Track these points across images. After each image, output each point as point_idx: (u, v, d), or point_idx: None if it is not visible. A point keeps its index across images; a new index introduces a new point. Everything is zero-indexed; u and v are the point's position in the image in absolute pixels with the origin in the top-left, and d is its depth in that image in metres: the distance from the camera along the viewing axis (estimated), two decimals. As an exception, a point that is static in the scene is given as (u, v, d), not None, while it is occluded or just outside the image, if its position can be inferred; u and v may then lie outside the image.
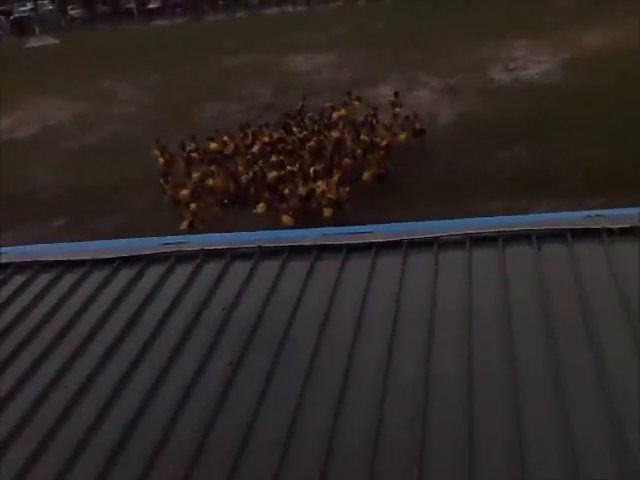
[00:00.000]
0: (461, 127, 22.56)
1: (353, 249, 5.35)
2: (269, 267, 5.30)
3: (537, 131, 20.69)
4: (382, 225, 5.84)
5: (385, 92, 27.44)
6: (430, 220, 5.76)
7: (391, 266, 5.10)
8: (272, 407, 3.94)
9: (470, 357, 4.03)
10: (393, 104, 22.66)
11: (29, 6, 54.44)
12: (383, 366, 4.05)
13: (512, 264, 4.88)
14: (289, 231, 6.61)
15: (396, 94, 23.24)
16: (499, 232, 5.19)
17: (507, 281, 4.69)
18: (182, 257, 5.62)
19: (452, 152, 20.27)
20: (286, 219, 16.78)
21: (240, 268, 5.35)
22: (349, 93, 24.07)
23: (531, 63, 28.53)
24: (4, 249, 6.43)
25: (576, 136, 19.79)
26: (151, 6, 52.09)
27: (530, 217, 5.55)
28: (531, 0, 39.81)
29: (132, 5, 51.51)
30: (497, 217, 5.65)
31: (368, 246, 5.33)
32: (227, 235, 6.21)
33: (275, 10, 49.62)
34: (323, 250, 5.39)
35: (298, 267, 5.24)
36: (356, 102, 23.55)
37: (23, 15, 52.88)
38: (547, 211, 5.80)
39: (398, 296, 4.71)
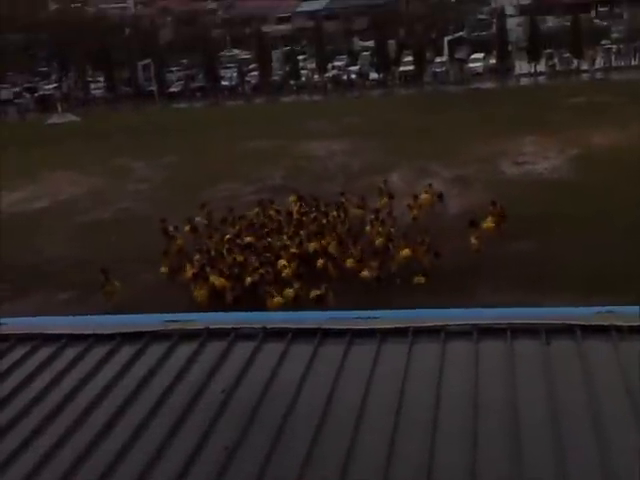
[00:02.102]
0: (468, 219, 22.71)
1: (357, 334, 5.29)
2: (273, 349, 5.25)
3: (545, 225, 20.81)
4: (388, 311, 5.78)
5: (394, 180, 28.13)
6: (437, 308, 5.72)
7: (396, 354, 5.02)
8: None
9: (475, 452, 3.90)
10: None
11: (53, 84, 56.49)
12: (384, 458, 3.93)
13: (520, 358, 4.81)
14: (294, 313, 6.65)
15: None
16: (508, 324, 5.14)
17: (514, 375, 4.61)
18: (185, 335, 5.56)
19: (458, 244, 20.22)
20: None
21: (243, 349, 5.30)
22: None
23: (540, 159, 29.04)
24: (6, 320, 6.38)
25: (584, 231, 19.89)
26: (172, 90, 53.93)
27: (539, 311, 5.50)
28: (541, 98, 41.17)
29: (153, 88, 53.34)
30: (506, 309, 5.59)
31: (373, 332, 5.27)
32: (232, 315, 6.21)
33: (293, 98, 51.21)
34: (327, 334, 5.34)
35: (302, 350, 5.18)
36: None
37: (47, 93, 54.84)
38: (556, 306, 5.78)
39: (402, 386, 4.62)
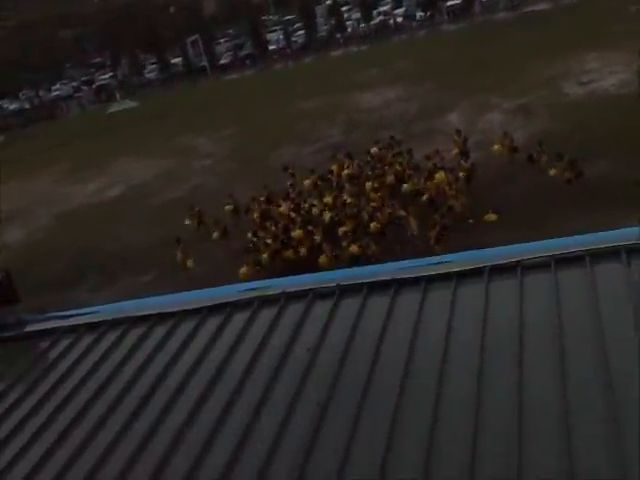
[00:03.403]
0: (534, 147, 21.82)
1: (432, 280, 5.29)
2: (350, 304, 5.32)
3: (620, 143, 19.80)
4: (461, 253, 5.74)
5: (455, 119, 27.53)
6: (511, 244, 5.61)
7: (474, 294, 5.00)
8: (362, 447, 3.90)
9: (564, 381, 3.90)
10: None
11: (109, 74, 57.66)
12: (474, 399, 3.96)
13: (601, 282, 4.72)
14: (367, 267, 6.56)
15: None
16: (585, 250, 5.04)
17: (597, 301, 4.53)
18: (265, 301, 5.73)
19: (532, 172, 19.80)
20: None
21: (322, 308, 5.39)
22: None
23: (605, 75, 27.66)
24: (97, 307, 6.79)
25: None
26: (222, 61, 54.14)
27: (618, 232, 5.34)
28: (597, 11, 38.93)
29: (204, 62, 53.66)
30: (582, 235, 5.46)
31: (448, 276, 5.25)
32: (307, 276, 6.31)
33: (341, 51, 50.46)
34: (402, 284, 5.36)
35: (378, 303, 5.22)
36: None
37: (104, 83, 56.06)
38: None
39: (484, 324, 4.60)
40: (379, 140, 24.23)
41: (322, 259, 17.49)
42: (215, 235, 21.18)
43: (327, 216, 19.54)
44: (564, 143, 20.89)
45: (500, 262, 5.24)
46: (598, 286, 4.68)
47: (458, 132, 22.68)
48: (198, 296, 6.30)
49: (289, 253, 18.63)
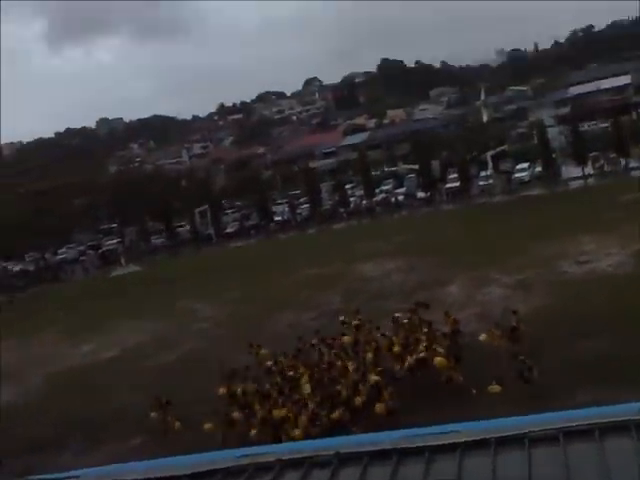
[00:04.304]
0: (537, 321, 21.79)
1: (437, 451, 5.14)
2: (349, 475, 5.16)
3: (617, 322, 19.77)
4: (467, 423, 5.61)
5: (454, 291, 27.84)
6: (518, 416, 5.52)
7: (479, 466, 4.84)
8: None
9: None
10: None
11: (116, 240, 59.53)
12: None
13: (611, 457, 4.59)
14: (368, 435, 6.31)
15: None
16: (594, 424, 4.96)
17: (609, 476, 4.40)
18: (260, 468, 5.53)
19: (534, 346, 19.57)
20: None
21: (319, 478, 5.21)
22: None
23: (602, 256, 28.26)
24: (80, 471, 6.38)
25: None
26: (228, 230, 56.05)
27: (626, 407, 5.26)
28: (589, 199, 40.91)
29: (211, 231, 55.51)
30: (591, 408, 5.42)
31: (453, 447, 5.11)
32: (303, 443, 6.36)
33: (343, 224, 52.30)
34: (405, 454, 5.20)
35: (379, 473, 5.07)
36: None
37: (110, 248, 57.76)
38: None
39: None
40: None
41: None
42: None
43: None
44: (562, 318, 21.08)
45: (507, 434, 5.11)
46: (608, 461, 4.55)
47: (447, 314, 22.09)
48: (186, 462, 6.05)
49: None
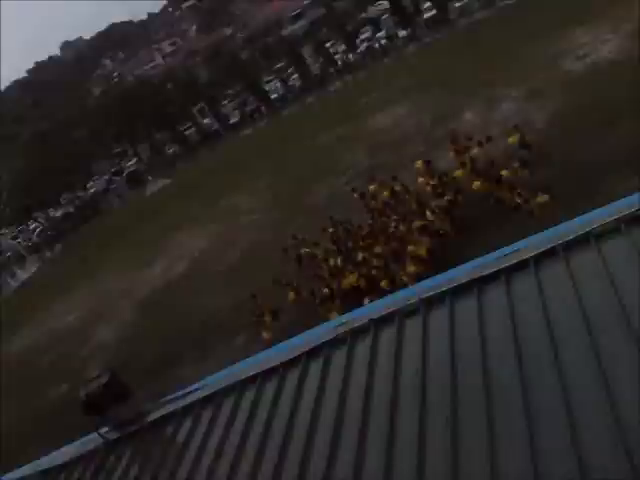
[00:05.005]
0: (560, 125, 23.08)
1: (511, 270, 5.78)
2: (437, 316, 5.75)
3: (631, 109, 20.17)
4: (531, 237, 6.18)
5: (471, 118, 28.64)
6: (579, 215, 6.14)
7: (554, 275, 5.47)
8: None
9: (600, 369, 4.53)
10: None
11: (134, 160, 60.16)
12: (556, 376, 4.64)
13: (611, 261, 5.26)
14: (446, 273, 6.47)
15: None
16: (588, 232, 5.58)
17: (614, 280, 5.07)
18: (356, 332, 6.17)
19: (563, 147, 20.69)
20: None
21: (412, 327, 5.80)
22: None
23: (599, 44, 28.73)
24: (208, 380, 7.16)
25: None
26: (232, 121, 56.65)
27: (616, 204, 5.84)
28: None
29: (217, 126, 56.19)
30: (583, 216, 6.02)
31: (525, 263, 5.74)
32: (388, 297, 6.78)
33: (338, 84, 52.40)
34: (483, 282, 5.75)
35: (464, 307, 5.69)
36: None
37: (132, 169, 58.64)
38: None
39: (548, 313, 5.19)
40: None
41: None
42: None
43: None
44: (579, 118, 22.16)
45: (571, 238, 5.75)
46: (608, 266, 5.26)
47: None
48: (293, 345, 6.54)
49: None
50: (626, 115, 20.29)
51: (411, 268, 17.97)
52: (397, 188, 22.84)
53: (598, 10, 32.20)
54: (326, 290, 19.52)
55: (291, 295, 20.87)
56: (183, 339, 23.50)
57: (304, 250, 22.89)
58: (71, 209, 56.32)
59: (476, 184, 20.22)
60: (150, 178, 53.56)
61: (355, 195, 24.26)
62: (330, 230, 22.89)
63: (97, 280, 36.88)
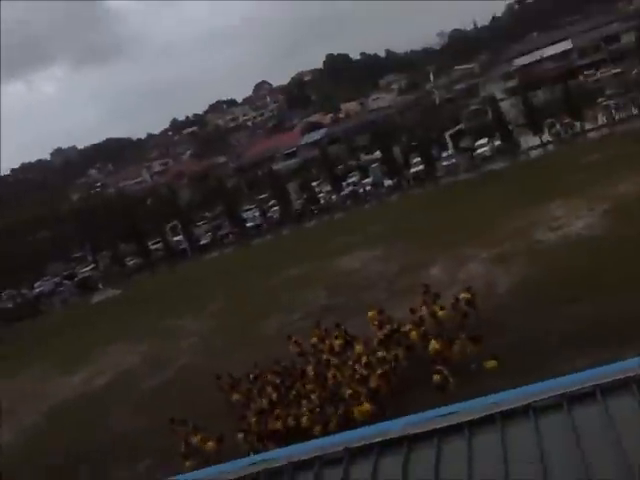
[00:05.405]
0: (520, 292, 22.41)
1: (445, 432, 5.31)
2: (361, 469, 5.27)
3: (596, 284, 20.19)
4: (469, 402, 5.75)
5: (436, 273, 28.12)
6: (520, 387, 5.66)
7: (489, 443, 5.03)
8: None
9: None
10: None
11: (90, 266, 58.96)
12: None
13: (616, 416, 4.80)
14: (377, 425, 6.28)
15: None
16: (596, 385, 5.14)
17: (620, 438, 4.58)
18: (270, 473, 5.68)
19: (520, 316, 19.98)
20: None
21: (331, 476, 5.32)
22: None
23: (573, 219, 28.79)
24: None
25: (637, 283, 18.98)
26: (202, 242, 55.91)
27: (624, 364, 5.47)
28: (551, 165, 41.73)
29: (185, 245, 55.27)
30: (591, 370, 5.57)
31: (459, 427, 5.29)
32: (312, 442, 6.25)
33: (315, 222, 52.45)
34: (414, 439, 5.35)
35: (392, 462, 5.20)
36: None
37: (86, 275, 57.19)
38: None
39: (506, 470, 4.63)
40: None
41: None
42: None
43: None
44: (542, 286, 21.60)
45: (512, 406, 5.30)
46: (614, 421, 4.76)
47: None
48: (198, 476, 6.26)
49: None
50: (587, 292, 19.85)
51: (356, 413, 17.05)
52: (339, 336, 21.75)
53: (577, 187, 32.70)
54: (241, 435, 18.27)
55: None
56: (82, 455, 22.00)
57: (235, 396, 21.25)
58: (10, 305, 54.33)
59: (433, 345, 18.86)
60: (101, 286, 52.10)
61: (291, 343, 23.04)
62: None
63: (14, 380, 34.98)
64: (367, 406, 17.04)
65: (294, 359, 21.77)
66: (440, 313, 20.46)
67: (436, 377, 16.98)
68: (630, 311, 17.42)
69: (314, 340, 22.38)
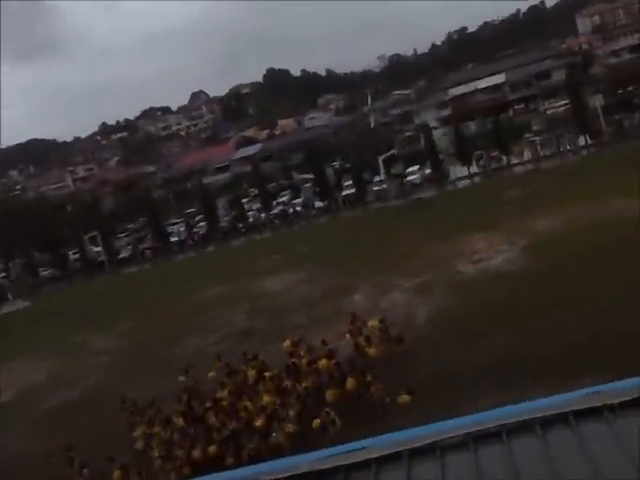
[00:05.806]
0: (439, 323, 22.38)
1: (351, 469, 5.13)
2: None
3: (513, 317, 20.40)
4: (377, 438, 5.48)
5: (359, 299, 27.88)
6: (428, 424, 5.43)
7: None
8: None
9: None
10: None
11: (1, 275, 56.13)
12: None
13: (519, 456, 4.74)
14: (284, 460, 6.16)
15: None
16: (501, 425, 5.06)
17: (518, 475, 4.55)
18: None
19: (437, 347, 19.93)
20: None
21: None
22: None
23: (493, 253, 29.08)
24: None
25: (551, 317, 19.49)
26: (122, 255, 54.11)
27: (531, 404, 5.39)
28: (477, 196, 42.45)
29: (103, 257, 53.34)
30: (497, 409, 5.44)
31: (367, 464, 5.11)
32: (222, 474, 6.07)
33: (243, 240, 51.62)
34: (321, 475, 5.16)
35: None
36: None
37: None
38: (545, 395, 5.66)
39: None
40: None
41: None
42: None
43: None
44: (461, 318, 21.53)
45: (419, 444, 5.13)
46: (516, 460, 4.69)
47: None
48: None
49: None
50: (501, 327, 20.02)
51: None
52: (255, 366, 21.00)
53: (499, 220, 33.24)
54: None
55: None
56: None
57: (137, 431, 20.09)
58: None
59: (350, 382, 18.35)
60: (10, 297, 49.57)
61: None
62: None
63: None
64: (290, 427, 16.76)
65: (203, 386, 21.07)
66: (364, 345, 20.03)
67: (316, 421, 16.53)
68: (541, 344, 17.93)
69: (212, 374, 21.63)
